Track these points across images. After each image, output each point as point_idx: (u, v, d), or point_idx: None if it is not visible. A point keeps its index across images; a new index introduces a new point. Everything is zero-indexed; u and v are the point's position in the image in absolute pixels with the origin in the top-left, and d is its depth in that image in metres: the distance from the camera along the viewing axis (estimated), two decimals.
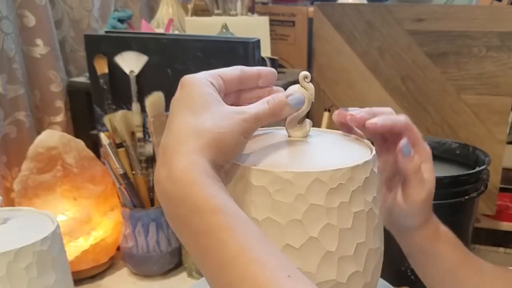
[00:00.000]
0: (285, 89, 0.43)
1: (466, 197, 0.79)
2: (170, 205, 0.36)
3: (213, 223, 0.34)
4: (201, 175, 0.35)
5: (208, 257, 0.34)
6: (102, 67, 0.89)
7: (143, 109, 0.85)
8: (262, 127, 0.40)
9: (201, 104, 0.38)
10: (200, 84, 0.39)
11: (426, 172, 0.48)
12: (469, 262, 0.53)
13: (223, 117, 0.38)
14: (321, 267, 0.39)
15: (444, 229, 0.53)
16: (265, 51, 1.06)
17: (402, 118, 0.48)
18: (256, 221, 0.39)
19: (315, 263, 0.39)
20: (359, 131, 0.47)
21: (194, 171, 0.35)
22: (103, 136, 0.84)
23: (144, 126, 0.87)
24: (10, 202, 0.90)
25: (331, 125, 1.03)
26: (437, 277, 0.53)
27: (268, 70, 0.44)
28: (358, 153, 0.43)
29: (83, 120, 1.06)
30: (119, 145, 0.85)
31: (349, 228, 0.39)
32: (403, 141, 0.46)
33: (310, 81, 0.43)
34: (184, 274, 0.90)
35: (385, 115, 0.47)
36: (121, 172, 0.85)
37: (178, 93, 0.39)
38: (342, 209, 0.39)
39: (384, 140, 0.50)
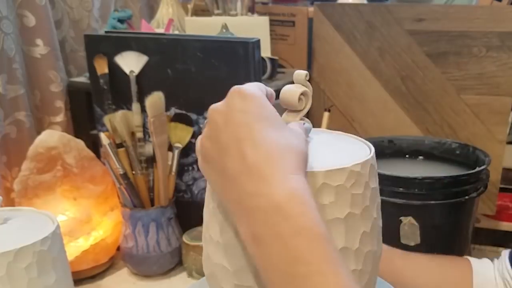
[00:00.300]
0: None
1: (466, 197, 0.79)
2: (267, 222, 0.33)
3: (317, 253, 0.32)
4: (309, 197, 0.34)
5: (301, 287, 0.31)
6: (102, 67, 0.89)
7: (143, 109, 0.85)
8: None
9: (276, 118, 0.38)
10: (264, 97, 0.38)
11: None
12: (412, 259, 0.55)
13: (298, 134, 0.38)
14: None
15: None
16: (265, 51, 1.06)
17: None
18: None
19: None
20: None
21: (301, 192, 0.34)
22: (103, 136, 0.84)
23: (144, 126, 0.87)
24: (10, 202, 0.90)
25: (331, 125, 1.03)
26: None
27: (271, 92, 0.43)
28: (358, 152, 0.43)
29: (83, 120, 1.06)
30: (119, 145, 0.85)
31: (349, 227, 0.40)
32: None
33: (308, 80, 0.44)
34: (184, 274, 0.90)
35: None
36: (121, 172, 0.85)
37: (240, 104, 0.37)
38: (342, 208, 0.39)
39: None
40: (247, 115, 0.37)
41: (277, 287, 0.33)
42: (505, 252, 0.56)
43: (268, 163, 0.35)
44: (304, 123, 0.43)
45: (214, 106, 0.40)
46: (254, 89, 0.39)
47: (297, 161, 0.36)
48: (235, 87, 0.39)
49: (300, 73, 0.43)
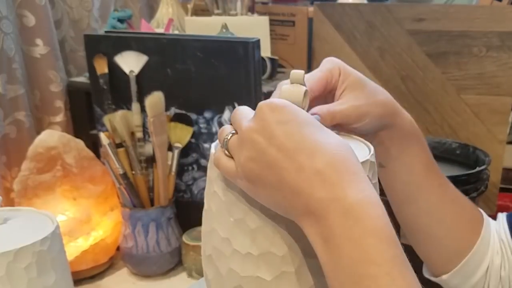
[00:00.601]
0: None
1: (466, 197, 0.79)
2: (339, 225, 0.34)
3: (387, 255, 0.33)
4: (377, 199, 0.35)
5: (371, 286, 0.32)
6: (102, 67, 0.89)
7: (143, 109, 0.85)
8: None
9: (314, 120, 0.38)
10: (293, 105, 0.39)
11: (343, 80, 0.49)
12: (434, 173, 0.54)
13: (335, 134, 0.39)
14: None
15: (413, 129, 0.53)
16: (265, 51, 1.06)
17: None
18: None
19: None
20: None
21: (369, 193, 0.35)
22: (103, 136, 0.84)
23: (144, 126, 0.87)
24: (10, 202, 0.90)
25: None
26: (399, 184, 0.54)
27: None
28: (358, 151, 0.43)
29: (83, 120, 1.06)
30: (119, 145, 0.85)
31: None
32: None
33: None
34: (184, 274, 0.90)
35: None
36: (121, 172, 0.85)
37: (276, 116, 0.37)
38: None
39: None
40: (287, 125, 0.37)
41: (345, 286, 0.34)
42: (502, 215, 0.58)
43: (330, 168, 0.35)
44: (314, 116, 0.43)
45: (248, 126, 0.38)
46: (282, 100, 0.39)
47: (354, 158, 0.37)
48: (263, 102, 0.39)
49: (298, 73, 0.43)
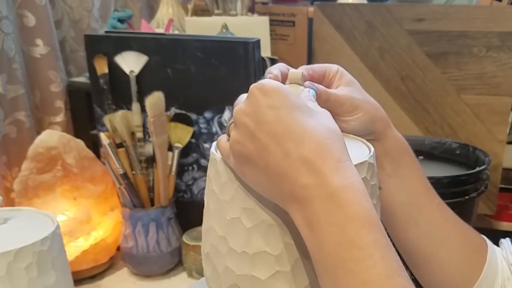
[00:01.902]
0: None
1: (466, 197, 0.79)
2: (322, 210, 0.35)
3: (369, 239, 0.34)
4: (361, 184, 0.36)
5: (352, 270, 0.33)
6: (102, 67, 0.89)
7: (143, 109, 0.85)
8: None
9: (304, 104, 0.38)
10: (285, 87, 0.39)
11: (338, 79, 0.49)
12: (431, 192, 0.53)
13: (327, 114, 0.39)
14: None
15: (406, 146, 0.52)
16: (265, 51, 1.06)
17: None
18: None
19: None
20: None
21: (353, 179, 0.36)
22: (103, 136, 0.84)
23: (144, 126, 0.87)
24: (10, 202, 0.90)
25: None
26: (398, 206, 0.52)
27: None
28: (357, 152, 0.43)
29: (83, 120, 1.06)
30: (119, 145, 0.85)
31: None
32: None
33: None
34: (184, 274, 0.90)
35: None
36: (121, 172, 0.85)
37: (266, 100, 0.38)
38: None
39: None
40: (277, 110, 0.37)
41: (329, 270, 0.35)
42: (506, 240, 0.55)
43: (316, 155, 0.36)
44: (308, 90, 0.43)
45: (239, 109, 0.40)
46: (273, 82, 0.39)
47: (341, 146, 0.37)
48: (254, 85, 0.39)
49: (296, 73, 0.43)
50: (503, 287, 0.52)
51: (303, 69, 0.48)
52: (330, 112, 0.47)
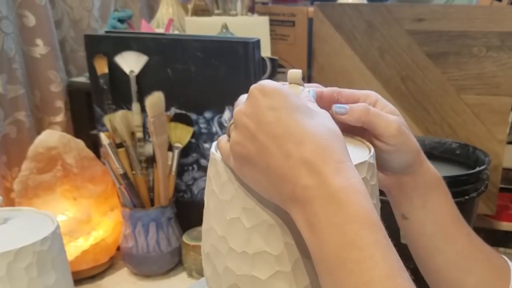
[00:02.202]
0: None
1: (466, 197, 0.79)
2: (323, 212, 0.35)
3: (370, 239, 0.34)
4: (361, 185, 0.36)
5: (353, 271, 0.34)
6: (102, 67, 0.89)
7: (143, 109, 0.85)
8: None
9: (304, 105, 0.38)
10: (285, 88, 0.39)
11: (378, 112, 0.47)
12: (459, 222, 0.52)
13: (327, 115, 0.39)
14: None
15: (437, 179, 0.51)
16: (265, 51, 1.06)
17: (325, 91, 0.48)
18: None
19: None
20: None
21: (354, 180, 0.36)
22: (103, 136, 0.84)
23: (144, 126, 0.87)
24: (10, 202, 0.90)
25: None
26: (425, 236, 0.51)
27: None
28: (357, 152, 0.43)
29: (83, 120, 1.06)
30: (119, 145, 0.85)
31: None
32: (334, 106, 0.46)
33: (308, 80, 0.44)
34: (184, 274, 0.90)
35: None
36: (121, 172, 0.85)
37: (266, 101, 0.38)
38: None
39: None
40: (277, 111, 0.37)
41: (329, 270, 0.35)
42: None
43: (317, 156, 0.36)
44: (308, 90, 0.43)
45: (239, 110, 0.39)
46: (273, 83, 0.39)
47: (341, 147, 0.37)
48: (254, 85, 0.39)
49: (296, 72, 0.43)
50: None
51: (329, 89, 0.47)
52: (373, 133, 0.46)
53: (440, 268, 0.52)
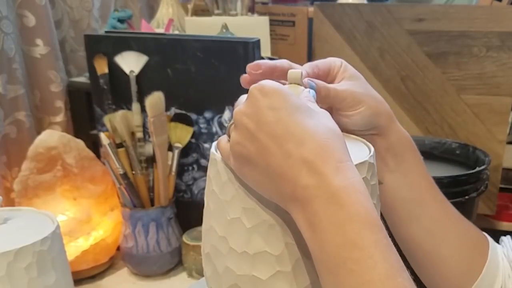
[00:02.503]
0: None
1: (466, 197, 0.79)
2: (323, 211, 0.35)
3: (370, 239, 0.34)
4: (362, 185, 0.36)
5: (353, 271, 0.34)
6: (102, 67, 0.89)
7: (143, 109, 0.85)
8: None
9: (304, 105, 0.38)
10: (285, 88, 0.39)
11: (342, 73, 0.48)
12: (433, 188, 0.52)
13: (327, 114, 0.39)
14: None
15: (409, 141, 0.51)
16: (265, 51, 1.06)
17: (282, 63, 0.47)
18: None
19: None
20: None
21: (354, 180, 0.36)
22: (103, 136, 0.84)
23: (144, 126, 0.87)
24: (10, 202, 0.90)
25: None
26: (399, 202, 0.51)
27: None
28: (357, 152, 0.43)
29: (83, 120, 1.06)
30: (119, 145, 0.85)
31: None
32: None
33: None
34: (184, 274, 0.90)
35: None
36: (121, 172, 0.85)
37: (266, 101, 0.38)
38: None
39: None
40: (277, 111, 0.37)
41: (330, 270, 0.35)
42: (507, 238, 0.55)
43: (317, 155, 0.36)
44: (308, 90, 0.43)
45: (239, 110, 0.40)
46: (273, 83, 0.39)
47: (341, 146, 0.37)
48: (254, 85, 0.39)
49: (295, 73, 0.43)
50: (503, 284, 0.52)
51: (308, 66, 0.47)
52: (332, 107, 0.47)
53: (415, 236, 0.52)
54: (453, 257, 0.52)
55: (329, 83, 0.48)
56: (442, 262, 0.52)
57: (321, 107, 0.41)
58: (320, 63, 0.48)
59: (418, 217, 0.51)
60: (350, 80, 0.48)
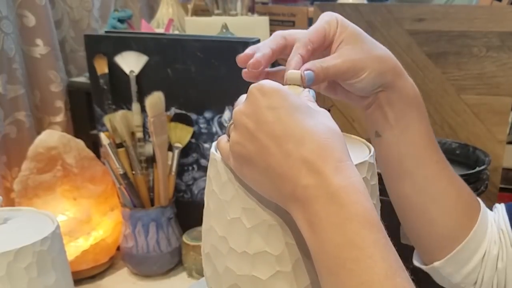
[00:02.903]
0: None
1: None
2: (323, 211, 0.35)
3: (369, 239, 0.34)
4: (361, 185, 0.36)
5: (353, 270, 0.34)
6: (102, 67, 0.89)
7: (143, 109, 0.85)
8: None
9: (303, 104, 0.38)
10: (284, 88, 0.39)
11: (340, 32, 0.46)
12: (432, 148, 0.52)
13: (326, 114, 0.39)
14: None
15: (415, 98, 0.51)
16: None
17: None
18: None
19: None
20: None
21: (354, 180, 0.36)
22: (103, 136, 0.84)
23: (144, 126, 0.87)
24: (10, 202, 0.90)
25: None
26: (395, 157, 0.51)
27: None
28: (358, 152, 0.43)
29: (83, 120, 1.06)
30: (119, 145, 0.85)
31: None
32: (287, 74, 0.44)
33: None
34: (184, 274, 0.90)
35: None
36: (121, 172, 0.85)
37: (265, 101, 0.38)
38: None
39: None
40: (276, 111, 0.37)
41: (329, 270, 0.35)
42: (501, 205, 0.55)
43: (317, 155, 0.36)
44: (308, 90, 0.43)
45: (238, 110, 0.39)
46: (272, 82, 0.39)
47: (341, 146, 0.37)
48: (253, 85, 0.39)
49: (295, 73, 0.43)
50: (488, 249, 0.52)
51: (301, 47, 0.45)
52: (335, 81, 0.46)
53: (407, 193, 0.52)
54: (442, 217, 0.52)
55: (326, 49, 0.46)
56: (430, 222, 0.52)
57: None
58: (313, 36, 0.45)
59: (412, 174, 0.51)
60: (349, 44, 0.46)
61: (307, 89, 0.43)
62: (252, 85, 0.39)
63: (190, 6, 1.21)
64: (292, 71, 0.43)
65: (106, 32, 0.99)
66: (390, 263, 0.34)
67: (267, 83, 0.39)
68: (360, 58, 0.45)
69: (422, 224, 0.53)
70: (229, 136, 0.41)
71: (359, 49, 0.46)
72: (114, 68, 0.89)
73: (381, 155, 0.52)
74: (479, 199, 0.55)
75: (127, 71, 0.87)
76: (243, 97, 0.42)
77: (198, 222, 0.48)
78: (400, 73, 0.49)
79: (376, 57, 0.47)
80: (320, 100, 0.41)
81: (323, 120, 0.38)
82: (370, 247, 0.34)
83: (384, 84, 0.48)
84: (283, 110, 0.37)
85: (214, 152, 0.44)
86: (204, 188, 0.47)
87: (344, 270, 0.34)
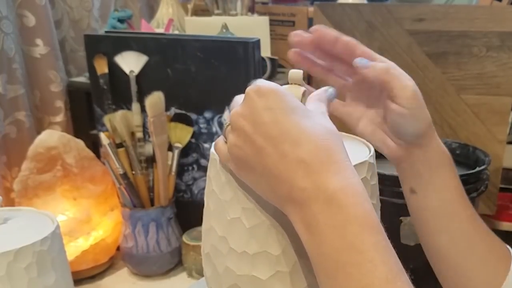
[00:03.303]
0: None
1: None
2: (321, 213, 0.35)
3: (369, 242, 0.34)
4: (360, 186, 0.36)
5: (352, 275, 0.33)
6: (102, 67, 0.89)
7: (143, 109, 0.85)
8: None
9: (300, 106, 0.38)
10: (281, 89, 0.39)
11: (397, 73, 0.49)
12: (464, 202, 0.52)
13: (324, 114, 0.39)
14: None
15: (447, 156, 0.52)
16: (265, 51, 1.06)
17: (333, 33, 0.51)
18: None
19: None
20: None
21: (353, 181, 0.35)
22: (103, 136, 0.84)
23: (144, 126, 0.87)
24: (10, 202, 0.90)
25: None
26: (430, 212, 0.52)
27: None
28: (357, 152, 0.43)
29: (83, 120, 1.06)
30: (119, 145, 0.85)
31: None
32: (356, 59, 0.50)
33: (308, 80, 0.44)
34: (184, 274, 0.90)
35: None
36: (121, 172, 0.85)
37: (262, 102, 0.37)
38: None
39: (348, 67, 0.53)
40: (273, 112, 0.37)
41: (328, 273, 0.34)
42: None
43: (314, 156, 0.35)
44: (327, 89, 0.43)
45: (235, 111, 0.39)
46: (269, 83, 0.39)
47: (339, 146, 0.37)
48: (250, 86, 0.39)
49: (296, 72, 0.43)
50: None
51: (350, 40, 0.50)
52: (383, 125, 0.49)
53: (442, 247, 0.52)
54: (477, 270, 0.52)
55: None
56: (466, 274, 0.52)
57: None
58: (365, 49, 0.51)
59: (447, 229, 0.52)
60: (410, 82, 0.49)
61: (325, 87, 0.43)
62: (249, 87, 0.39)
63: (190, 6, 1.21)
64: (294, 70, 0.43)
65: (106, 32, 0.99)
66: (390, 266, 0.33)
67: (264, 84, 0.39)
68: (414, 85, 0.50)
69: (458, 278, 0.53)
70: (225, 137, 0.41)
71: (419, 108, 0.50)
72: (114, 68, 0.89)
73: (416, 212, 0.53)
74: (508, 246, 0.55)
75: (127, 71, 0.87)
76: (238, 98, 0.42)
77: (198, 222, 0.48)
78: (435, 132, 0.52)
79: (425, 114, 0.51)
80: None
81: (321, 121, 0.38)
82: (371, 251, 0.33)
83: (422, 135, 0.50)
84: (279, 111, 0.37)
85: (214, 152, 0.44)
86: (204, 188, 0.47)
87: (343, 274, 0.33)
